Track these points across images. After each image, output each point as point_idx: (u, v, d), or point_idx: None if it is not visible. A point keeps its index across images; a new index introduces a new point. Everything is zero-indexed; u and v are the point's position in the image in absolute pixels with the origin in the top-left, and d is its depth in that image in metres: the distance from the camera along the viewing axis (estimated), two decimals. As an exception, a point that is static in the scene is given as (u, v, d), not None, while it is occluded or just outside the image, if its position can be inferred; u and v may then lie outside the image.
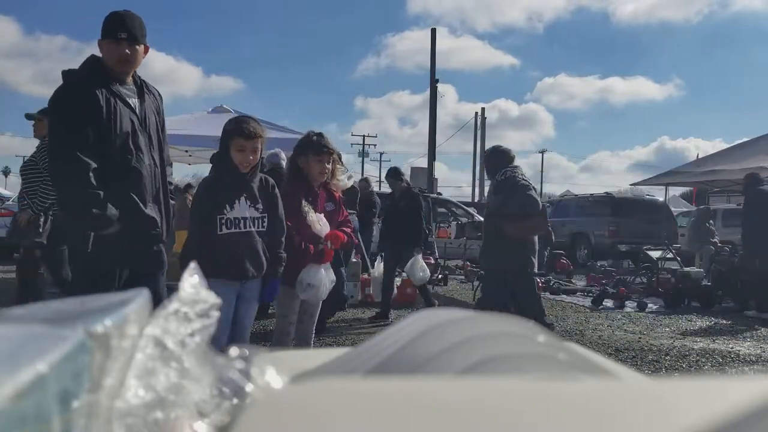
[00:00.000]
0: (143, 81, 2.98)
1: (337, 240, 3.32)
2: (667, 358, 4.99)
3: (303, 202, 3.22)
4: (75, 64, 2.95)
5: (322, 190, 3.41)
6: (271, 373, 0.47)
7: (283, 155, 6.73)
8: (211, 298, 0.46)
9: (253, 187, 2.98)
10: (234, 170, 2.94)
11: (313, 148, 3.36)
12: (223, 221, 2.90)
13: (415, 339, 0.53)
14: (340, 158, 3.70)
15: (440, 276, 9.18)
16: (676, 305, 7.90)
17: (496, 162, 5.04)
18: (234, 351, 0.47)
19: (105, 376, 0.37)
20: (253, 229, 2.96)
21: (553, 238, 13.32)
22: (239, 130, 2.94)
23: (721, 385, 0.41)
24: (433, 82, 20.05)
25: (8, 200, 14.78)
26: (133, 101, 2.88)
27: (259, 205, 2.99)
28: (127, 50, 2.82)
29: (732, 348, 5.46)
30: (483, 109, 32.59)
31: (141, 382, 0.39)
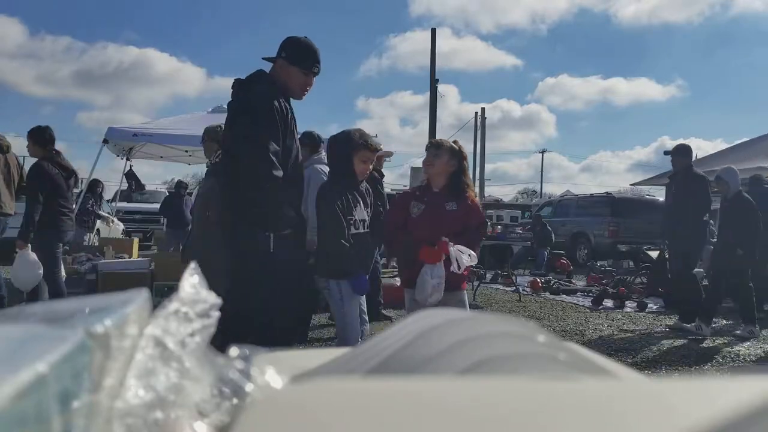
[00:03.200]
0: None
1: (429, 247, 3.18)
2: (667, 358, 4.99)
3: (413, 202, 3.28)
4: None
5: (446, 190, 3.31)
6: (271, 373, 0.47)
7: None
8: (211, 298, 0.46)
9: (365, 193, 3.34)
10: (354, 178, 3.25)
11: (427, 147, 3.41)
12: (351, 222, 3.19)
13: (415, 339, 0.53)
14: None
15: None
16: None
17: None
18: (234, 351, 0.47)
19: (105, 376, 0.37)
20: (366, 230, 3.27)
21: (553, 238, 13.33)
22: (365, 143, 3.24)
23: (721, 385, 0.41)
24: (433, 83, 20.05)
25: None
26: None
27: (369, 210, 3.33)
28: (312, 83, 3.18)
29: (732, 348, 5.46)
30: (483, 109, 32.57)
31: (141, 382, 0.39)
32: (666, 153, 6.85)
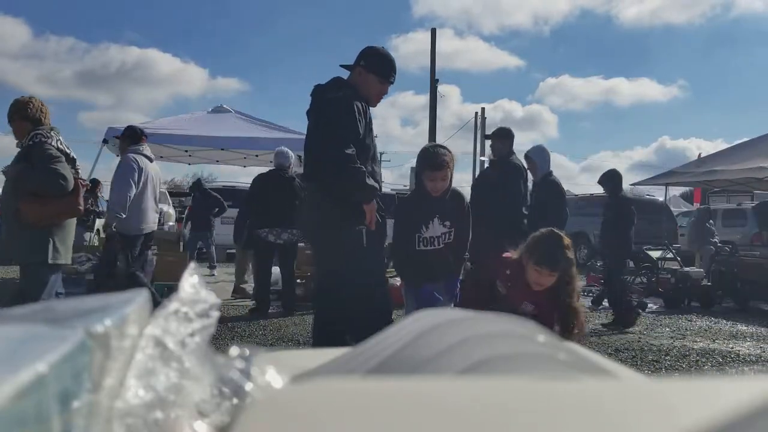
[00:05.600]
0: None
1: None
2: (667, 358, 4.99)
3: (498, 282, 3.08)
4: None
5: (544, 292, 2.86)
6: (271, 373, 0.47)
7: (289, 154, 6.74)
8: (211, 298, 0.46)
9: (445, 207, 3.32)
10: (427, 196, 3.30)
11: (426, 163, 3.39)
12: (420, 239, 3.30)
13: (415, 339, 0.53)
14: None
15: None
16: (676, 305, 7.90)
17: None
18: (234, 351, 0.47)
19: (105, 376, 0.37)
20: (442, 245, 3.32)
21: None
22: (428, 163, 3.26)
23: (721, 385, 0.41)
24: (433, 83, 20.03)
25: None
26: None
27: (448, 222, 3.32)
28: (386, 92, 3.38)
29: (732, 348, 5.46)
30: (483, 109, 32.54)
31: (141, 382, 0.39)
32: (486, 137, 6.40)
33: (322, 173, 3.15)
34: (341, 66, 3.39)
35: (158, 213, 5.47)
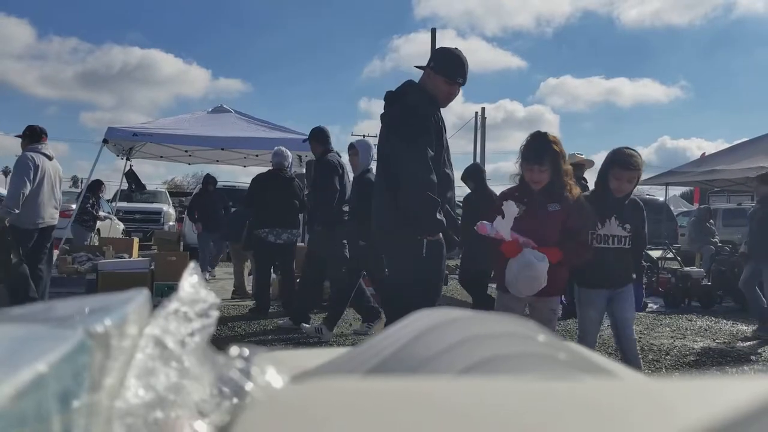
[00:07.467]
0: None
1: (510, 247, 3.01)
2: (667, 358, 4.99)
3: (507, 201, 3.06)
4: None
5: (546, 190, 3.09)
6: (271, 372, 0.47)
7: (287, 154, 6.75)
8: (211, 297, 0.46)
9: (624, 209, 3.29)
10: (609, 194, 3.26)
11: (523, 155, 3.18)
12: (594, 236, 3.24)
13: (415, 339, 0.53)
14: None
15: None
16: (677, 305, 7.90)
17: None
18: (234, 351, 0.47)
19: (105, 376, 0.37)
20: (620, 245, 3.27)
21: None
22: (620, 161, 3.23)
23: (721, 385, 0.41)
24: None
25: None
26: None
27: (627, 225, 3.27)
28: (456, 93, 3.31)
29: (732, 348, 5.46)
30: (483, 109, 32.57)
31: (141, 382, 0.39)
32: (304, 141, 6.55)
33: (407, 190, 3.07)
34: (415, 67, 3.41)
35: (57, 209, 5.66)
